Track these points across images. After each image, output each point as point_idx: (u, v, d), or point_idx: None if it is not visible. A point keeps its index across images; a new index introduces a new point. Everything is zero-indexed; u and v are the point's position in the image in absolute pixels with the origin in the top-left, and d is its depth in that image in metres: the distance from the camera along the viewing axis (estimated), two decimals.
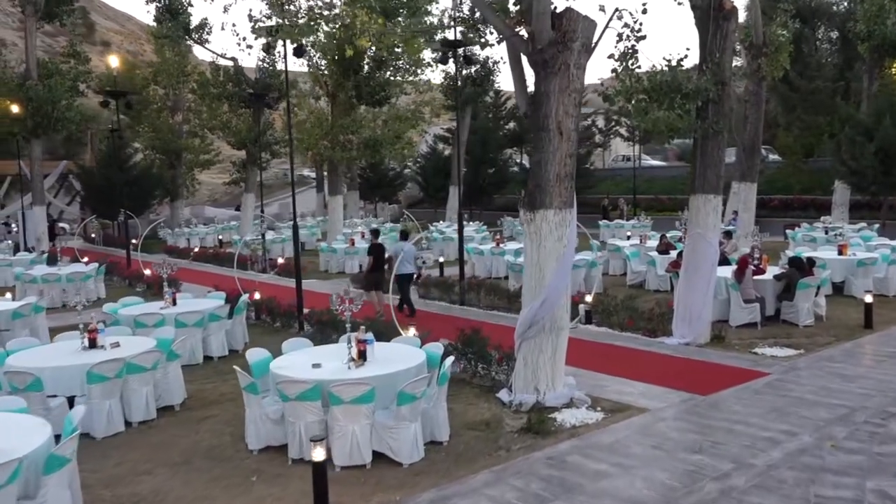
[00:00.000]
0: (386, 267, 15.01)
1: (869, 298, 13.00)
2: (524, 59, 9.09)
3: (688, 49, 11.37)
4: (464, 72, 36.41)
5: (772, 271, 14.37)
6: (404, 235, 16.96)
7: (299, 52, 14.95)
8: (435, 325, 12.78)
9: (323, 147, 25.88)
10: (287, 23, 9.17)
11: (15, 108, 28.34)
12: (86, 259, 26.51)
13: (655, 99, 11.08)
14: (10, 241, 31.89)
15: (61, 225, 38.04)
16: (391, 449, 7.44)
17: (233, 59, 34.91)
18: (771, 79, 21.47)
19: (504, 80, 54.08)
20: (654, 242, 22.00)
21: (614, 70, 11.30)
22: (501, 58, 43.93)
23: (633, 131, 43.95)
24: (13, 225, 37.61)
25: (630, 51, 11.15)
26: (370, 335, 8.48)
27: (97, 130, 46.16)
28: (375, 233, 16.78)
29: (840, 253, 16.56)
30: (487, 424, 8.62)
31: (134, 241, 34.01)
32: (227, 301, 13.26)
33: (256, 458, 7.83)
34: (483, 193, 42.29)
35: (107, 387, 8.62)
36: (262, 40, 22.66)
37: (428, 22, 23.29)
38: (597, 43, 9.03)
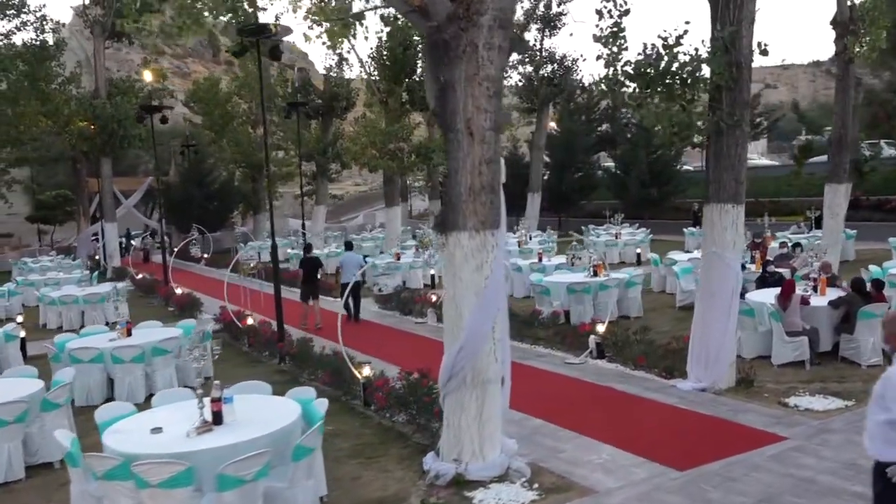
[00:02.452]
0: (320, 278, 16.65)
1: None
2: None
3: (688, 23, 9.07)
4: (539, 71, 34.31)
5: (833, 294, 11.63)
6: (349, 246, 17.88)
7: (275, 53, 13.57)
8: (404, 352, 11.92)
9: (371, 156, 24.55)
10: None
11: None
12: (140, 275, 26.48)
13: (643, 88, 8.86)
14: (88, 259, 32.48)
15: (133, 242, 38.76)
16: None
17: (301, 69, 34.41)
18: (870, 60, 18.26)
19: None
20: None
21: (599, 55, 9.21)
22: (581, 55, 41.28)
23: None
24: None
25: (613, 30, 9.04)
26: (228, 391, 6.86)
27: (180, 146, 47.16)
28: (308, 248, 17.87)
29: None
30: None
31: (206, 255, 34.30)
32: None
33: None
34: (567, 200, 39.81)
35: None
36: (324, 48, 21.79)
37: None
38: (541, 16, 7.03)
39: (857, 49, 17.47)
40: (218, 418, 6.64)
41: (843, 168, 17.69)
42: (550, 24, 34.60)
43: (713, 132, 9.43)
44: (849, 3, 17.32)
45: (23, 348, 14.29)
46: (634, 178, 33.71)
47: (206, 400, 6.64)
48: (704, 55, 8.97)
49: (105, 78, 30.05)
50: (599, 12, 8.90)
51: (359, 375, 10.00)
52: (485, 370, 7.20)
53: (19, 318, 16.61)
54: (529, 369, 11.57)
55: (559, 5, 34.47)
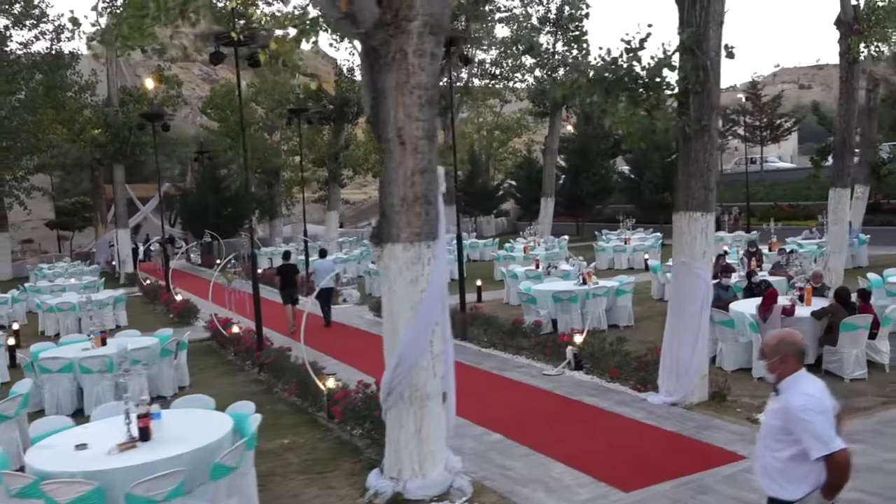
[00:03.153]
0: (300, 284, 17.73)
1: None
2: None
3: (650, 26, 8.76)
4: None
5: (820, 304, 11.20)
6: (322, 254, 19.15)
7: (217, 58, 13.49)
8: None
9: (374, 161, 24.45)
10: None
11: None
12: (148, 281, 26.69)
13: (602, 93, 8.59)
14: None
15: (151, 247, 39.06)
16: None
17: (313, 75, 34.42)
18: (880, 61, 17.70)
19: None
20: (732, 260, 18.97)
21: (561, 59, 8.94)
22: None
23: (753, 130, 39.50)
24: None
25: (576, 33, 8.76)
26: (156, 407, 6.75)
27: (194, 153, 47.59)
28: (286, 255, 18.63)
29: None
30: None
31: (219, 261, 34.46)
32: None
33: None
34: (583, 204, 39.39)
35: None
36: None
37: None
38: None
39: (864, 50, 16.97)
40: (145, 434, 6.51)
41: (847, 172, 17.19)
42: (563, 28, 34.23)
43: (681, 138, 9.13)
44: (853, 2, 16.86)
45: (13, 356, 14.38)
46: (647, 183, 33.20)
47: (133, 416, 6.52)
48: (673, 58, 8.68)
49: (118, 86, 30.39)
50: (556, 18, 8.63)
51: (322, 387, 9.84)
52: (423, 386, 6.99)
53: (14, 326, 16.79)
54: (504, 381, 11.33)
55: (572, 9, 34.11)
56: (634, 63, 8.70)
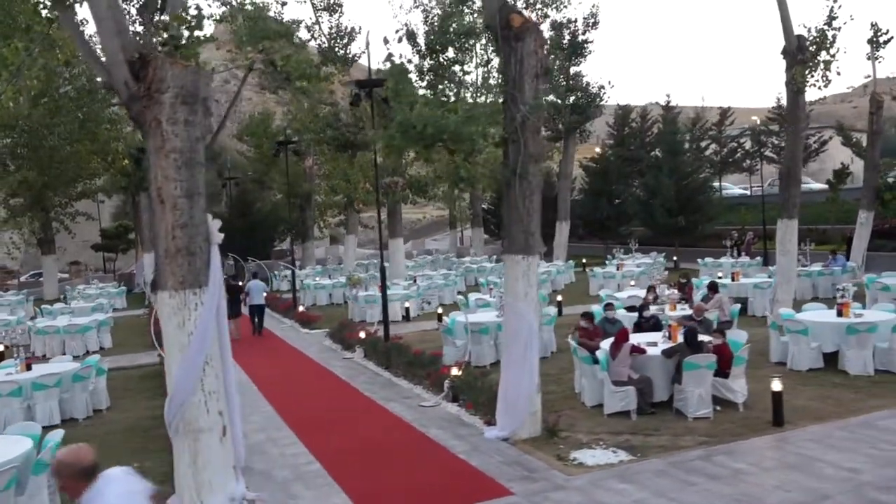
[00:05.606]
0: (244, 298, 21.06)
1: (777, 385, 9.72)
2: None
3: (462, 80, 9.25)
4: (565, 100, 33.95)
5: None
6: (255, 276, 22.79)
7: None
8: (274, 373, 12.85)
9: (364, 191, 25.33)
10: None
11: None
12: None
13: (414, 146, 9.13)
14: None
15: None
16: None
17: (332, 104, 35.56)
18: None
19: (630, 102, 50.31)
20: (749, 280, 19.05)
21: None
22: (609, 81, 40.64)
23: (780, 151, 38.54)
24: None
25: (399, 87, 9.38)
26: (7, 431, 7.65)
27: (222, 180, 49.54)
28: (235, 276, 22.69)
29: (840, 314, 12.77)
30: None
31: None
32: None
33: None
34: (604, 227, 39.30)
35: None
36: None
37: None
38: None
39: (810, 78, 16.79)
40: None
41: (794, 203, 16.90)
42: (576, 52, 34.48)
43: (504, 185, 9.55)
44: (797, 32, 16.72)
45: None
46: (659, 206, 32.96)
47: None
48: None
49: None
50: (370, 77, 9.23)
51: None
52: (195, 421, 7.63)
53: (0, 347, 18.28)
54: (379, 410, 11.90)
55: (584, 34, 34.35)
56: (449, 115, 9.18)
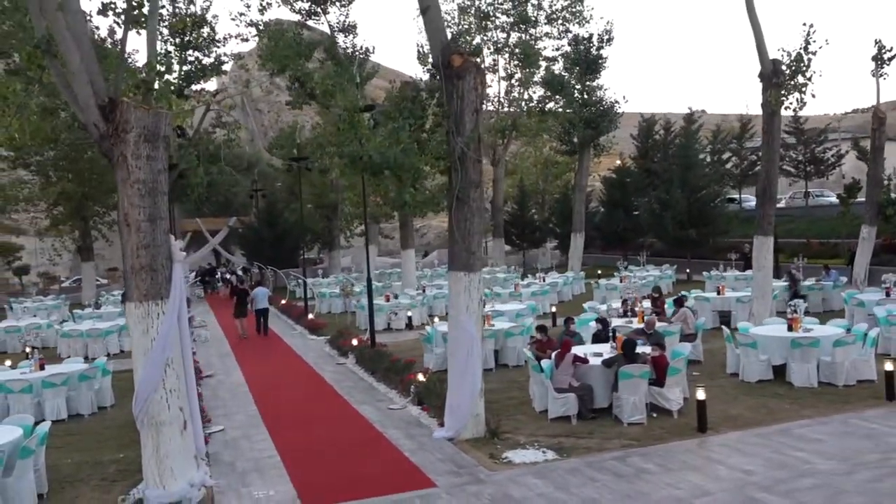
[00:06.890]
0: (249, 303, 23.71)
1: (702, 394, 10.51)
2: None
3: (403, 112, 10.28)
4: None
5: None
6: (258, 283, 25.51)
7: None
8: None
9: (374, 205, 26.51)
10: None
11: None
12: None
13: (359, 171, 10.19)
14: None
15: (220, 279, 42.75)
16: None
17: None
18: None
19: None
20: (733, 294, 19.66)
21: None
22: (624, 96, 41.16)
23: (798, 164, 38.73)
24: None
25: (353, 119, 10.46)
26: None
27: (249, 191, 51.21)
28: (241, 281, 24.91)
29: (789, 329, 13.44)
30: None
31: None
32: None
33: None
34: (621, 239, 39.90)
35: None
36: None
37: None
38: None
39: (785, 101, 17.42)
40: None
41: (769, 220, 17.53)
42: (590, 69, 35.25)
43: (448, 208, 10.56)
44: (773, 56, 17.36)
45: None
46: (670, 219, 33.49)
47: None
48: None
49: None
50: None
51: None
52: (157, 415, 8.80)
53: (27, 348, 19.82)
54: (351, 412, 12.93)
55: (598, 49, 35.11)
56: (394, 146, 10.23)
